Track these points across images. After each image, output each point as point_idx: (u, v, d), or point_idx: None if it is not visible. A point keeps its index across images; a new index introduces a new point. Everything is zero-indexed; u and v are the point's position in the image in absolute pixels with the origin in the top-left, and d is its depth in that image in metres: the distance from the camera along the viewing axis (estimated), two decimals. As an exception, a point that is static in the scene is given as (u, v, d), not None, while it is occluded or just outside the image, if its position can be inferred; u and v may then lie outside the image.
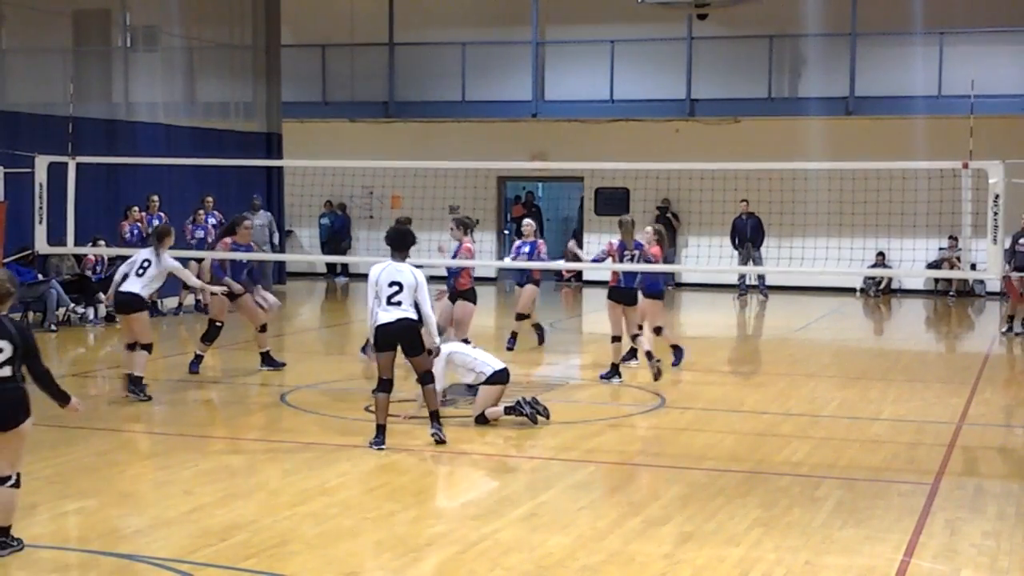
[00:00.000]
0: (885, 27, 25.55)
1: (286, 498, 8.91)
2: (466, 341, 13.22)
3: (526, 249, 16.06)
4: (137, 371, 12.81)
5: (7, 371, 7.33)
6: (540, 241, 16.37)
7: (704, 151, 25.61)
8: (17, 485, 7.49)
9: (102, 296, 19.46)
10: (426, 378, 10.71)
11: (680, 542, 7.92)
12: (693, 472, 9.88)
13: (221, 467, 9.95)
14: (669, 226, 27.35)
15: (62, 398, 7.65)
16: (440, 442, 10.59)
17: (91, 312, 19.31)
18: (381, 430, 10.53)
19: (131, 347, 12.95)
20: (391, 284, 10.39)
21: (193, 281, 14.17)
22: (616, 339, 14.36)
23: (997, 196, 11.67)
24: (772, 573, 7.36)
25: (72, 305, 18.94)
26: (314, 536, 7.99)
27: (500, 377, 11.63)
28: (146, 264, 12.95)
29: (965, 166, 12.15)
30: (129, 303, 12.90)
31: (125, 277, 13.01)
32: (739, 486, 9.41)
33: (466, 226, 14.15)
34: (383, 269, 10.48)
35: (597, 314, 23.04)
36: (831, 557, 7.71)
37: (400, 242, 10.70)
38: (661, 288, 15.39)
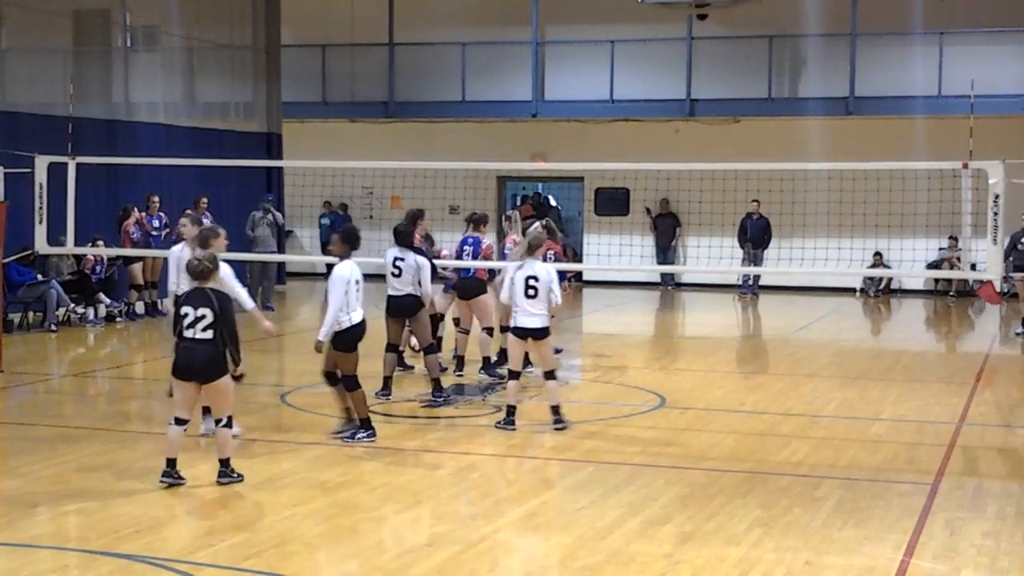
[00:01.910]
0: (885, 27, 25.53)
1: (286, 498, 8.91)
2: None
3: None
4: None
5: (209, 334, 8.96)
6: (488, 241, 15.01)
7: (704, 151, 25.60)
8: (229, 426, 9.18)
9: (103, 296, 19.48)
10: (429, 349, 12.62)
11: (680, 542, 7.93)
12: (693, 472, 9.88)
13: (221, 467, 9.95)
14: (672, 226, 27.44)
15: (234, 360, 9.11)
16: (439, 405, 12.42)
17: (91, 312, 19.30)
18: (387, 381, 12.69)
19: None
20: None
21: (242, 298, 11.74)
22: (490, 330, 14.54)
23: (997, 196, 11.69)
24: (772, 573, 7.37)
25: (72, 305, 18.94)
26: (314, 536, 7.99)
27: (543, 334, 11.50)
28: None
29: (965, 166, 12.17)
30: None
31: None
32: (739, 486, 9.41)
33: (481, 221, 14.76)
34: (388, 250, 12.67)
35: (597, 314, 23.08)
36: (831, 557, 7.72)
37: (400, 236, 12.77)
38: None
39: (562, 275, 14.52)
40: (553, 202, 30.19)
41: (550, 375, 11.51)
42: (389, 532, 8.18)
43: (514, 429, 11.32)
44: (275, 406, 12.92)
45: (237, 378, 9.24)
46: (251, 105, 25.26)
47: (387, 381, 12.83)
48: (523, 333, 11.41)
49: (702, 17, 24.80)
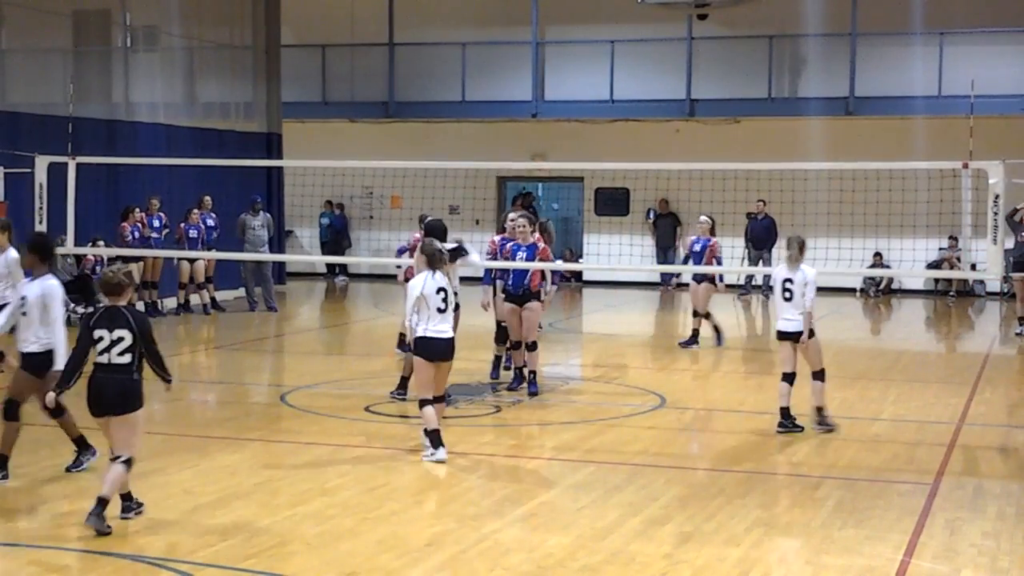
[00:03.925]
0: (885, 27, 25.54)
1: (286, 498, 8.91)
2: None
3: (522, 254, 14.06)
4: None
5: (127, 358, 8.04)
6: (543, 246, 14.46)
7: (704, 151, 25.61)
8: (128, 465, 8.08)
9: (103, 297, 19.44)
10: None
11: (680, 542, 7.93)
12: (693, 472, 9.88)
13: (221, 467, 9.95)
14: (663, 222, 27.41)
15: (165, 376, 8.28)
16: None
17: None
18: (404, 382, 12.34)
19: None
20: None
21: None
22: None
23: (997, 196, 11.68)
24: (772, 573, 7.36)
25: (72, 305, 18.90)
26: (314, 536, 7.99)
27: None
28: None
29: (965, 166, 12.16)
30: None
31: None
32: (739, 486, 9.41)
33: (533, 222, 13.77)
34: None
35: (598, 314, 23.07)
36: (831, 557, 7.71)
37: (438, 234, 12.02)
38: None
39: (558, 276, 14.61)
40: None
41: (818, 376, 11.52)
42: (389, 532, 8.18)
43: (801, 430, 11.36)
44: (275, 406, 12.93)
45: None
46: (251, 105, 25.25)
47: (404, 381, 12.71)
48: (784, 336, 11.51)
49: (702, 17, 24.80)
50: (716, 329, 17.53)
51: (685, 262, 17.67)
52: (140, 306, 20.14)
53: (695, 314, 17.45)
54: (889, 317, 23.81)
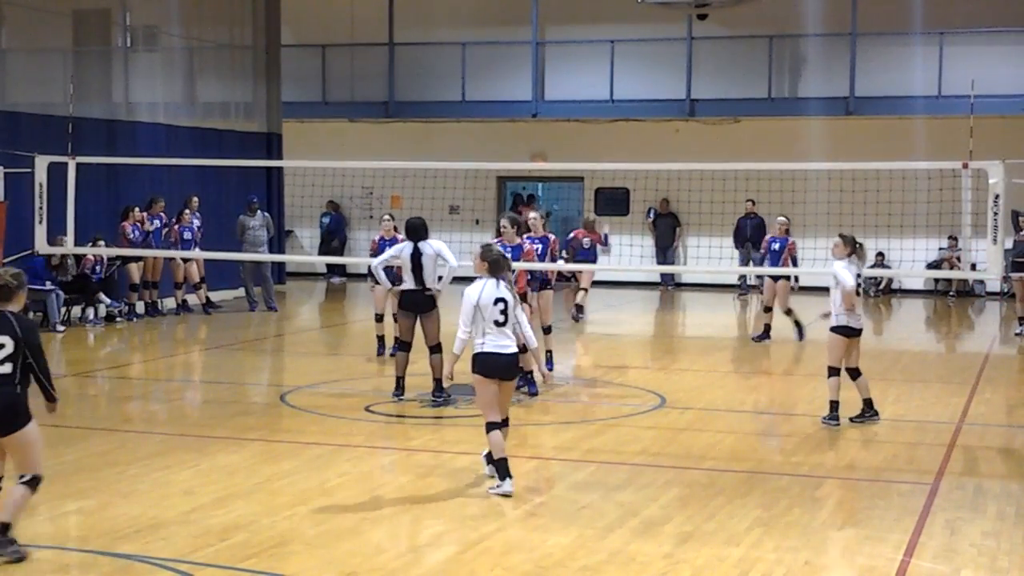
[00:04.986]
0: (885, 27, 25.54)
1: (286, 498, 8.91)
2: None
3: (537, 247, 14.07)
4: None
5: (7, 368, 7.27)
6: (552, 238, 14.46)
7: (704, 151, 25.60)
8: (31, 486, 7.34)
9: (103, 296, 19.46)
10: (435, 348, 12.31)
11: (680, 542, 7.93)
12: (693, 472, 9.88)
13: (221, 467, 9.95)
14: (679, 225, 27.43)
15: (48, 396, 7.49)
16: (440, 405, 12.40)
17: (91, 312, 19.30)
18: (400, 381, 12.63)
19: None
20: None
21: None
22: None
23: (997, 196, 11.70)
24: (772, 573, 7.36)
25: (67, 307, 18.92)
26: (314, 536, 7.99)
27: None
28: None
29: (965, 166, 12.17)
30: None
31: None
32: (739, 486, 9.41)
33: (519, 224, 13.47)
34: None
35: (597, 314, 23.04)
36: (831, 557, 7.72)
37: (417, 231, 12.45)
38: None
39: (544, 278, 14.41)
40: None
41: (859, 370, 11.87)
42: (389, 532, 8.18)
43: (837, 425, 11.69)
44: (275, 406, 12.93)
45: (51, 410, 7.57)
46: (251, 105, 25.24)
47: (400, 381, 12.69)
48: (855, 333, 11.75)
49: (702, 17, 24.80)
50: (797, 324, 17.91)
51: (761, 262, 18.35)
52: (141, 306, 20.19)
53: (767, 309, 18.04)
54: (889, 317, 23.80)
